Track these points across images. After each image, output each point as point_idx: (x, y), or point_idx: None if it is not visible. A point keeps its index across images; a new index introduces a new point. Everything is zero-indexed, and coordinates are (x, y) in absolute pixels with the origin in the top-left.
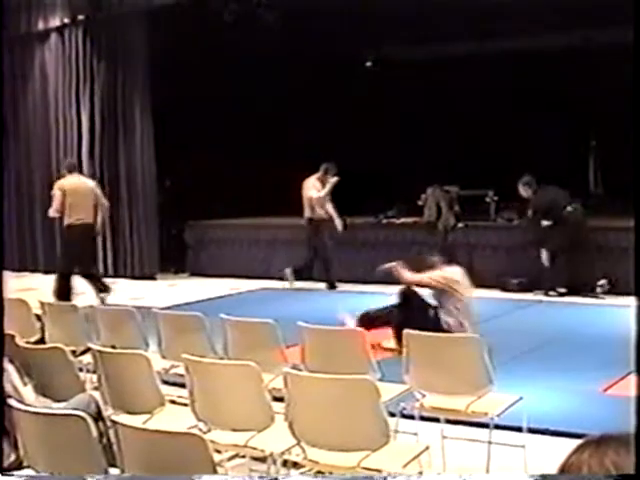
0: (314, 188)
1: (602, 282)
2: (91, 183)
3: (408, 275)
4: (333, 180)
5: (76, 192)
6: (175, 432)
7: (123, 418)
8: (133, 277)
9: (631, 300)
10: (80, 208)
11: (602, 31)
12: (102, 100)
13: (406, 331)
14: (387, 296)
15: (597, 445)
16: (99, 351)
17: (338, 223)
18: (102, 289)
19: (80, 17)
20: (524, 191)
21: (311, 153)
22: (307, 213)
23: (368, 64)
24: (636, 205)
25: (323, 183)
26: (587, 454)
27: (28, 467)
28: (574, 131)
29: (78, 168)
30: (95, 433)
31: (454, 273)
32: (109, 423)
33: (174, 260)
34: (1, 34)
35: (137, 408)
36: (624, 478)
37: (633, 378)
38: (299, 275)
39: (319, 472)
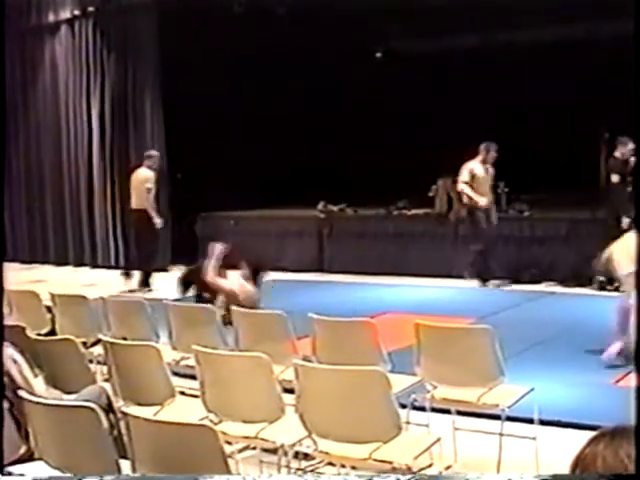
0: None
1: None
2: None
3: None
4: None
5: None
6: (186, 423)
7: (134, 410)
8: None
9: None
10: None
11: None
12: (112, 92)
13: (417, 321)
14: (399, 287)
15: (612, 437)
16: (110, 342)
17: None
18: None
19: (90, 9)
20: (622, 150)
21: (322, 143)
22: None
23: (378, 55)
24: (637, 204)
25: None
26: (602, 446)
27: (40, 459)
28: (586, 122)
29: (89, 160)
30: (106, 424)
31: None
32: (120, 415)
33: (186, 252)
34: (2, 29)
35: (148, 399)
36: (624, 478)
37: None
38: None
39: (331, 464)
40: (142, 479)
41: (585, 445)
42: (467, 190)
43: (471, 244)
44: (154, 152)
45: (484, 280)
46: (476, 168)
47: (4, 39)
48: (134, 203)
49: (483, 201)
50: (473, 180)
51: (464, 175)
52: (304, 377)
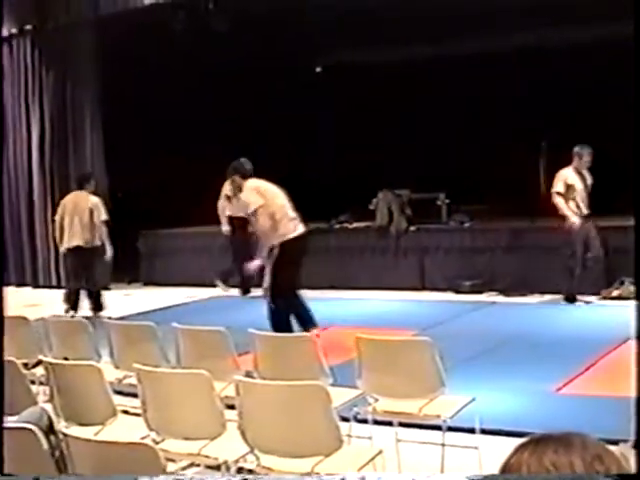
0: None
1: None
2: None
3: None
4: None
5: None
6: (125, 442)
7: (75, 430)
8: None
9: (584, 299)
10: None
11: (556, 31)
12: (52, 111)
13: (358, 335)
14: (341, 301)
15: (536, 445)
16: (51, 363)
17: None
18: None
19: (27, 27)
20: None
21: (262, 159)
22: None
23: (318, 69)
24: (636, 206)
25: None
26: (527, 454)
27: None
28: (524, 132)
29: (29, 180)
30: (46, 446)
31: None
32: (61, 436)
33: (128, 270)
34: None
35: (89, 419)
36: (624, 478)
37: (587, 376)
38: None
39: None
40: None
41: (511, 453)
42: (561, 204)
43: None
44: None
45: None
46: (570, 177)
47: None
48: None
49: (576, 221)
50: (568, 191)
51: (558, 186)
52: (245, 393)
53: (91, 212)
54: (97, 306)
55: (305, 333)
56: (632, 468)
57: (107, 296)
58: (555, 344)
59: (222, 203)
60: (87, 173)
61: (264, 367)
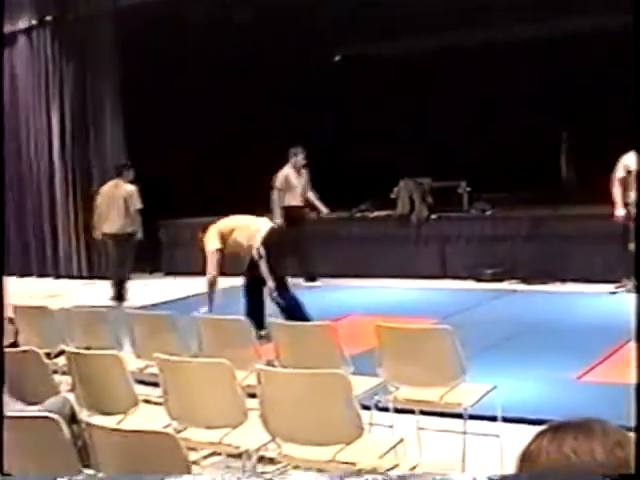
0: None
1: None
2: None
3: None
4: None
5: None
6: (147, 431)
7: (97, 419)
8: (108, 278)
9: (605, 287)
10: None
11: (568, 21)
12: (72, 102)
13: (378, 323)
14: (362, 289)
15: (555, 432)
16: (73, 353)
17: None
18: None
19: (48, 18)
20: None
21: (283, 149)
22: None
23: (337, 59)
24: (638, 207)
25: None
26: (546, 441)
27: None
28: (546, 122)
29: (50, 170)
30: (68, 435)
31: None
32: (83, 424)
33: (149, 260)
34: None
35: (111, 409)
36: (624, 478)
37: (608, 364)
38: None
39: (297, 467)
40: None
41: (531, 440)
42: (617, 193)
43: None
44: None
45: None
46: (632, 163)
47: (3, 40)
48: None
49: (620, 213)
50: (629, 176)
51: (620, 171)
52: (266, 382)
53: (125, 201)
54: (118, 296)
55: (325, 322)
56: None
57: (128, 286)
58: (576, 332)
59: (277, 194)
60: (125, 162)
61: (285, 356)
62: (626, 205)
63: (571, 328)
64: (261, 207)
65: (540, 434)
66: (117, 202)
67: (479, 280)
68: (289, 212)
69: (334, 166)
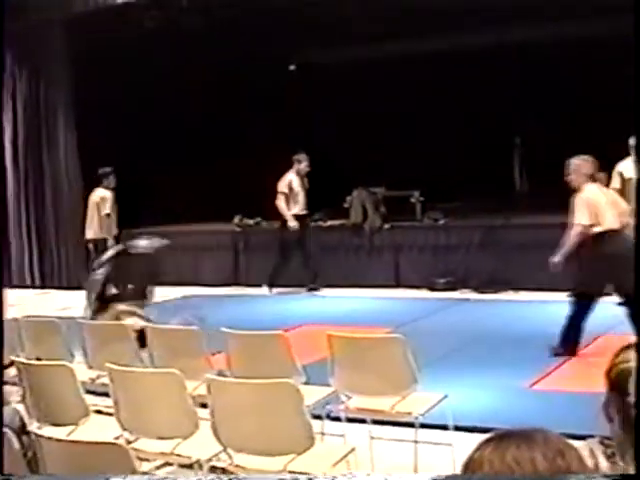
0: None
1: None
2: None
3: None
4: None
5: None
6: (97, 442)
7: (48, 430)
8: (61, 287)
9: (560, 296)
10: None
11: (518, 29)
12: (25, 110)
13: (330, 333)
14: (315, 299)
15: (499, 441)
16: (23, 363)
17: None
18: None
19: None
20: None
21: (237, 158)
22: None
23: (292, 67)
24: (637, 204)
25: None
26: (489, 450)
27: None
28: (498, 129)
29: (1, 180)
30: (17, 446)
31: None
32: (33, 436)
33: None
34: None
35: (62, 420)
36: (624, 478)
37: (560, 372)
38: None
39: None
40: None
41: (474, 450)
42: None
43: None
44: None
45: None
46: (626, 170)
47: (4, 39)
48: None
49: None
50: (624, 185)
51: (614, 182)
52: (217, 392)
53: (98, 206)
54: None
55: (277, 331)
56: (600, 463)
57: (81, 296)
58: (529, 341)
59: (282, 201)
60: (106, 169)
61: (237, 366)
62: None
63: (524, 336)
64: (216, 214)
65: (484, 443)
66: (92, 208)
67: (432, 289)
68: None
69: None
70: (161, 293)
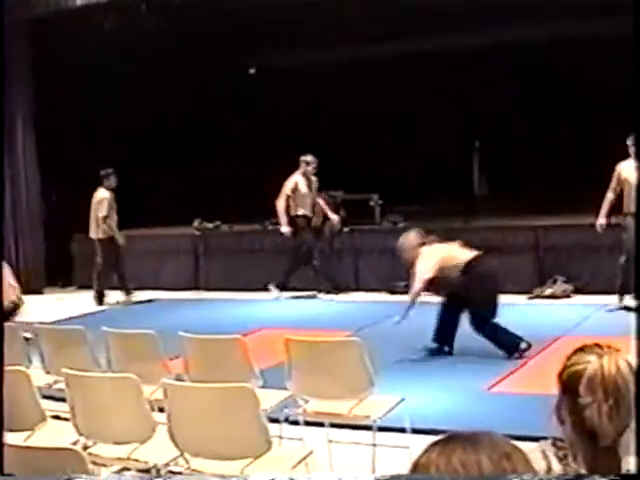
0: None
1: None
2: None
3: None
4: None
5: None
6: (53, 448)
7: (5, 436)
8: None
9: (519, 299)
10: None
11: (479, 33)
12: None
13: (287, 337)
14: (274, 302)
15: (445, 444)
16: None
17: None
18: None
19: None
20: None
21: (196, 161)
22: None
23: (251, 71)
24: (637, 204)
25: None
26: (436, 453)
27: None
28: (458, 132)
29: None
30: None
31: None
32: None
33: (61, 274)
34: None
35: (18, 425)
36: (624, 478)
37: (519, 374)
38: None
39: None
40: None
41: (421, 453)
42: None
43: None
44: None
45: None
46: (624, 170)
47: (4, 38)
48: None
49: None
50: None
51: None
52: (173, 396)
53: (97, 207)
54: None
55: (235, 335)
56: (552, 464)
57: (40, 301)
58: (488, 343)
59: (283, 202)
60: (107, 170)
61: (195, 370)
62: (625, 215)
63: (483, 339)
64: (174, 218)
65: (430, 447)
66: (93, 209)
67: (392, 292)
68: (297, 221)
69: (248, 178)
70: (120, 297)
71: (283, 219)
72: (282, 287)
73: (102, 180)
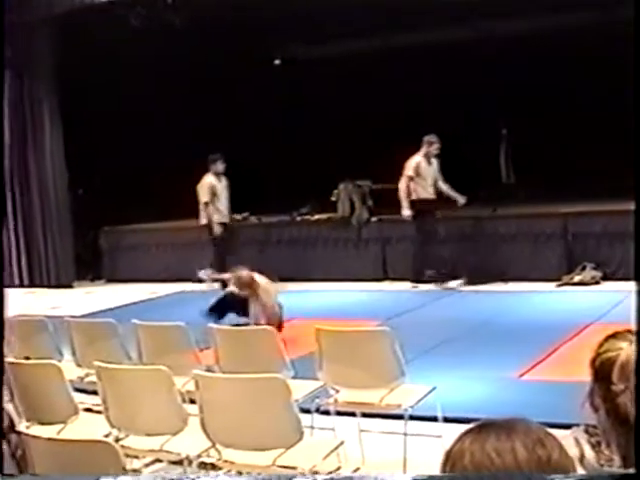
0: None
1: None
2: None
3: None
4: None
5: None
6: (85, 440)
7: (37, 429)
8: (49, 286)
9: (548, 286)
10: None
11: (505, 22)
12: (10, 108)
13: (318, 327)
14: (304, 293)
15: (479, 431)
16: (11, 363)
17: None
18: None
19: None
20: None
21: (223, 154)
22: None
23: (277, 62)
24: (637, 199)
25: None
26: (469, 441)
27: None
28: (484, 120)
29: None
30: (6, 446)
31: None
32: (22, 435)
33: (90, 267)
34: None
35: (51, 418)
36: (624, 477)
37: (550, 362)
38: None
39: (239, 472)
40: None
41: (455, 441)
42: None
43: None
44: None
45: None
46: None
47: (4, 38)
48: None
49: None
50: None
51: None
52: (204, 388)
53: (199, 193)
54: None
55: (265, 326)
56: (585, 451)
57: (69, 294)
58: (518, 331)
59: (405, 184)
60: (215, 155)
61: (225, 361)
62: None
63: (513, 327)
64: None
65: (464, 434)
66: (202, 194)
67: (420, 282)
68: (419, 205)
69: (274, 169)
70: (151, 289)
71: (405, 202)
72: (417, 278)
73: (209, 165)
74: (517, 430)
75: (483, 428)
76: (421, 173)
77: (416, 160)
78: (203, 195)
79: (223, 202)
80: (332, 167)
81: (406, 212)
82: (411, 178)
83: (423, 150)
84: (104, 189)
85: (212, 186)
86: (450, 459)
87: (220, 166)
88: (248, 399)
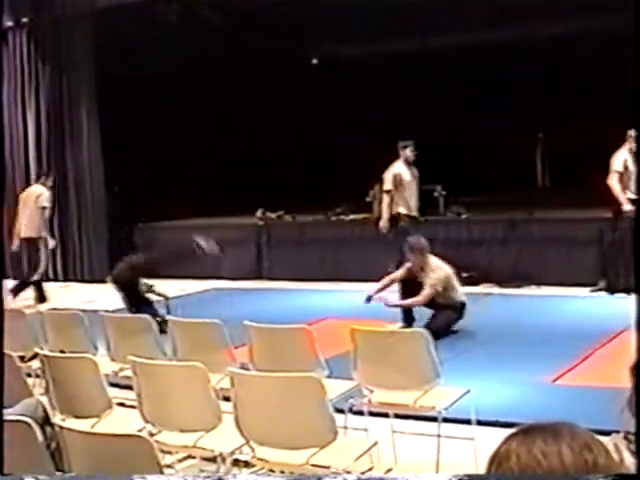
0: None
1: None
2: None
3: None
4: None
5: None
6: (120, 434)
7: (71, 422)
8: (83, 281)
9: (582, 291)
10: None
11: (540, 25)
12: (48, 104)
13: (353, 327)
14: (338, 293)
15: (525, 434)
16: (46, 356)
17: None
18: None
19: (24, 20)
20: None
21: (258, 152)
22: None
23: (314, 62)
24: (637, 206)
25: None
26: (516, 443)
27: None
28: (521, 123)
29: (26, 173)
30: (41, 438)
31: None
32: (57, 428)
33: None
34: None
35: (85, 412)
36: (624, 478)
37: (583, 367)
38: None
39: (271, 470)
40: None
41: (501, 443)
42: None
43: None
44: None
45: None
46: (628, 159)
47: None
48: None
49: (629, 208)
50: (626, 173)
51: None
52: (239, 385)
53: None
54: None
55: (301, 325)
56: (624, 458)
57: (104, 289)
58: (551, 335)
59: (617, 182)
60: (406, 142)
61: (259, 359)
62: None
63: (546, 331)
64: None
65: (510, 437)
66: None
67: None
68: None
69: (311, 169)
70: (183, 286)
71: (622, 198)
72: (610, 288)
73: (399, 151)
74: (564, 434)
75: (530, 431)
76: (628, 169)
77: (623, 156)
78: (387, 183)
79: (411, 193)
80: (368, 167)
81: (627, 206)
82: (620, 174)
83: (627, 145)
84: (140, 185)
85: (398, 174)
86: (496, 460)
87: (409, 153)
88: (283, 397)
